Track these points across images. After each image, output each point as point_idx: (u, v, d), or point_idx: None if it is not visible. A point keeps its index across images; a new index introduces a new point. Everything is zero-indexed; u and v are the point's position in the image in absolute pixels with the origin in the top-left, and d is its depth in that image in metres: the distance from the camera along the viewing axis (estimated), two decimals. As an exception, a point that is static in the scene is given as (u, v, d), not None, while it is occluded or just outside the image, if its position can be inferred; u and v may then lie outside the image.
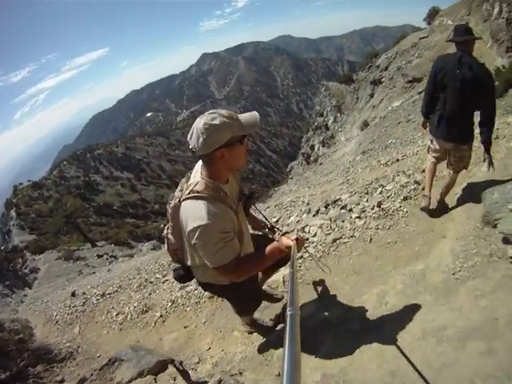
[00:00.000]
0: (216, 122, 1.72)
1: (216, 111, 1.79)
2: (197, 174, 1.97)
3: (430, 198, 4.00)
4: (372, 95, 19.38)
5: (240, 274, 2.00)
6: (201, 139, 1.72)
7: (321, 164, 19.07)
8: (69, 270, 16.38)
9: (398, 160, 7.79)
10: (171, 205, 2.00)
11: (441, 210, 4.01)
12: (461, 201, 4.02)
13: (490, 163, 3.51)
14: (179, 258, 2.22)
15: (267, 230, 2.73)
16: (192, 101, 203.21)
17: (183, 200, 1.88)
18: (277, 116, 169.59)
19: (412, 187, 4.92)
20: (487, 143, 3.45)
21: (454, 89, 3.39)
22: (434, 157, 3.95)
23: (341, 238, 4.37)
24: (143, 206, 55.26)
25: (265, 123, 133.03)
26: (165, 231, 2.23)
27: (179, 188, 2.03)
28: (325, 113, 24.26)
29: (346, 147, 15.62)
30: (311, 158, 23.32)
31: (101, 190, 61.44)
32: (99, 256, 18.16)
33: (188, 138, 1.81)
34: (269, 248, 1.98)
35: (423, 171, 5.05)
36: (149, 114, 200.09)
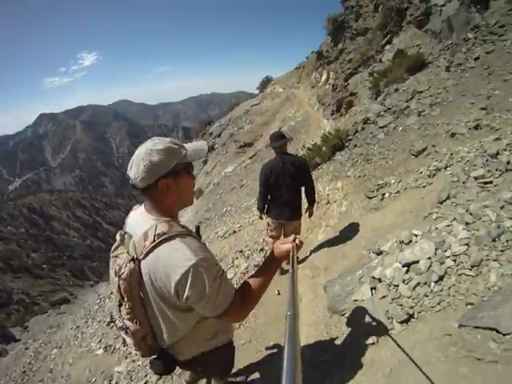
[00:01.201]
0: (159, 146, 1.50)
1: (158, 138, 1.58)
2: (144, 224, 1.54)
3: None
4: (205, 162, 19.73)
5: (251, 303, 1.66)
6: (141, 166, 1.46)
7: None
8: None
9: (234, 231, 7.94)
10: (125, 274, 1.46)
11: (282, 272, 4.53)
12: (306, 273, 4.32)
13: (311, 213, 4.61)
14: (151, 346, 1.69)
15: None
16: (25, 167, 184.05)
17: (146, 254, 1.44)
18: (112, 186, 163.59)
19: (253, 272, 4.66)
20: (312, 205, 4.53)
21: (286, 183, 4.13)
22: (271, 236, 4.59)
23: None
24: None
25: (100, 194, 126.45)
26: (118, 322, 1.67)
27: (120, 251, 1.58)
28: None
29: (184, 217, 15.23)
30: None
31: None
32: None
33: (128, 170, 1.52)
34: (269, 259, 1.79)
35: (261, 250, 5.87)
36: None
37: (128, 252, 1.52)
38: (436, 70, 7.11)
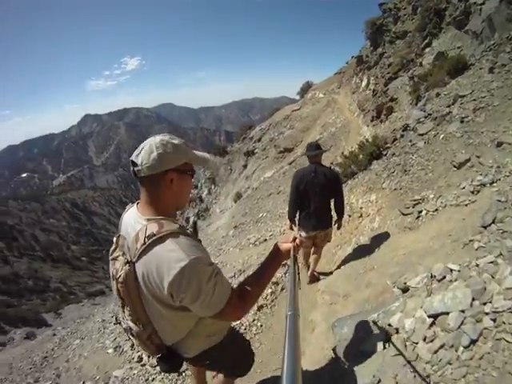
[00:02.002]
0: (175, 141, 1.49)
1: (169, 135, 1.53)
2: (136, 225, 1.47)
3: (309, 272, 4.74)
4: (245, 166, 19.55)
5: (249, 304, 1.58)
6: (154, 154, 1.41)
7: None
8: None
9: (265, 240, 7.81)
10: (121, 277, 1.42)
11: (313, 281, 4.70)
12: (325, 298, 3.93)
13: (340, 225, 4.46)
14: (157, 344, 1.64)
15: None
16: (69, 165, 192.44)
17: (139, 256, 1.37)
18: None
19: (269, 291, 4.78)
20: (341, 217, 4.36)
21: (315, 193, 4.05)
22: (304, 247, 4.52)
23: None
24: (16, 281, 46.83)
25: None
26: (123, 324, 1.64)
27: (116, 254, 1.52)
28: (199, 185, 23.88)
29: (220, 220, 15.21)
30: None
31: (-35, 256, 50.88)
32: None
33: (133, 156, 1.45)
34: (269, 258, 1.72)
35: (284, 265, 5.36)
36: (24, 175, 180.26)
37: (123, 255, 1.49)
38: (479, 72, 6.56)
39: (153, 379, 3.83)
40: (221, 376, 2.18)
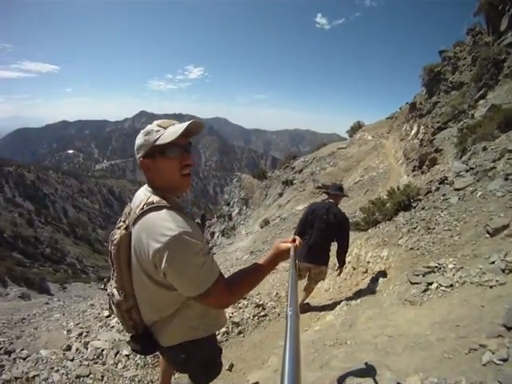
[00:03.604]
0: (145, 129, 1.52)
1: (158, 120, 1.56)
2: (141, 196, 1.50)
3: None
4: (281, 194, 18.81)
5: (238, 292, 1.50)
6: (139, 137, 1.51)
7: (214, 254, 17.48)
8: None
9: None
10: (115, 239, 1.44)
11: (304, 311, 4.57)
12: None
13: (340, 273, 4.54)
14: (135, 320, 1.57)
15: None
16: (116, 154, 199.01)
17: (134, 221, 1.39)
18: (192, 194, 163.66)
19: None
20: (342, 265, 4.43)
21: (320, 228, 4.13)
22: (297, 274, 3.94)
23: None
24: (35, 245, 48.58)
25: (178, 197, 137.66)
26: (108, 289, 1.60)
27: (121, 219, 1.54)
28: (231, 203, 23.37)
29: (243, 242, 14.89)
30: (210, 245, 21.50)
31: (-3, 210, 54.54)
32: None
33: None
34: (267, 256, 1.58)
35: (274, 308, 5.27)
36: (70, 151, 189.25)
37: (124, 221, 1.49)
38: None
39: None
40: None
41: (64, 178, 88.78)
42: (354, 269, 5.05)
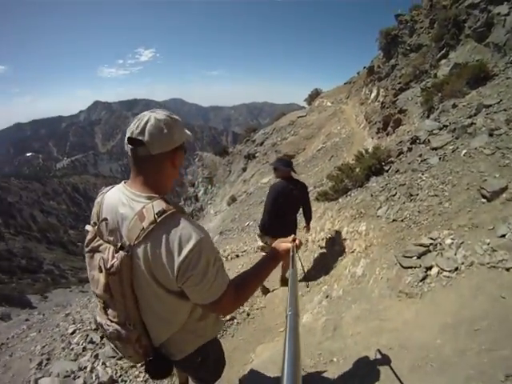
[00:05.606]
0: (177, 116, 1.32)
1: (166, 110, 1.32)
2: (133, 204, 1.23)
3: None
4: (245, 169, 18.04)
5: (244, 296, 1.39)
6: (166, 131, 1.22)
7: None
8: None
9: (237, 256, 6.81)
10: (115, 267, 1.18)
11: (284, 283, 4.49)
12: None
13: (308, 229, 4.55)
14: (145, 346, 1.38)
15: None
16: (75, 149, 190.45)
17: (145, 236, 1.15)
18: None
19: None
20: (309, 222, 4.41)
21: (291, 206, 4.15)
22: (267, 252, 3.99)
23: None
24: (9, 258, 45.77)
25: None
26: (107, 328, 1.32)
27: (97, 244, 1.28)
28: (196, 183, 22.34)
29: (212, 222, 14.41)
30: None
31: (-40, 229, 50.67)
32: None
33: (135, 131, 1.20)
34: (267, 256, 1.50)
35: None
36: (29, 154, 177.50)
37: (112, 241, 1.25)
38: (507, 82, 4.99)
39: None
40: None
41: (26, 184, 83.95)
42: (326, 246, 4.42)
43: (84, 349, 4.00)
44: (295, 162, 14.75)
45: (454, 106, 5.51)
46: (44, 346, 4.78)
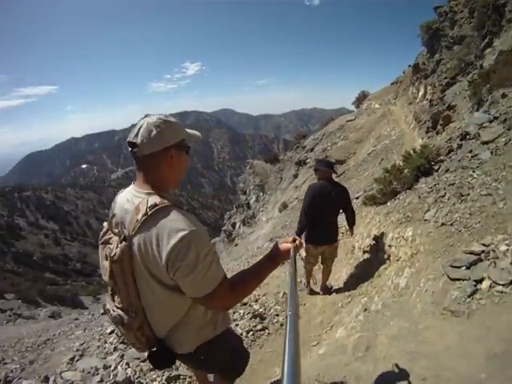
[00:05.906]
0: (172, 119, 1.39)
1: (164, 115, 1.42)
2: (135, 199, 1.33)
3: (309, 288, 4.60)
4: (296, 176, 17.94)
5: (241, 293, 1.39)
6: (154, 132, 1.29)
7: (236, 245, 17.57)
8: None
9: (283, 263, 5.98)
10: (116, 255, 1.25)
11: (326, 292, 4.45)
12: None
13: (352, 233, 4.53)
14: (148, 336, 1.43)
15: None
16: (128, 161, 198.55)
17: (139, 227, 1.23)
18: (210, 188, 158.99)
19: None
20: (352, 226, 4.40)
21: (328, 208, 4.02)
22: (310, 263, 4.38)
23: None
24: (65, 262, 48.91)
25: (197, 194, 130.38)
26: (112, 312, 1.40)
27: (108, 236, 1.39)
28: (248, 191, 22.52)
29: (263, 229, 14.46)
30: (232, 236, 21.14)
31: (23, 235, 54.75)
32: (2, 311, 14.71)
33: (132, 136, 1.32)
34: (267, 256, 1.50)
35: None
36: (84, 166, 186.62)
37: (117, 234, 1.35)
38: None
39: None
40: (213, 377, 2.04)
41: (82, 193, 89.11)
42: (371, 253, 4.16)
43: (115, 349, 4.07)
44: (346, 166, 14.77)
45: (504, 95, 5.13)
46: (82, 343, 5.01)
